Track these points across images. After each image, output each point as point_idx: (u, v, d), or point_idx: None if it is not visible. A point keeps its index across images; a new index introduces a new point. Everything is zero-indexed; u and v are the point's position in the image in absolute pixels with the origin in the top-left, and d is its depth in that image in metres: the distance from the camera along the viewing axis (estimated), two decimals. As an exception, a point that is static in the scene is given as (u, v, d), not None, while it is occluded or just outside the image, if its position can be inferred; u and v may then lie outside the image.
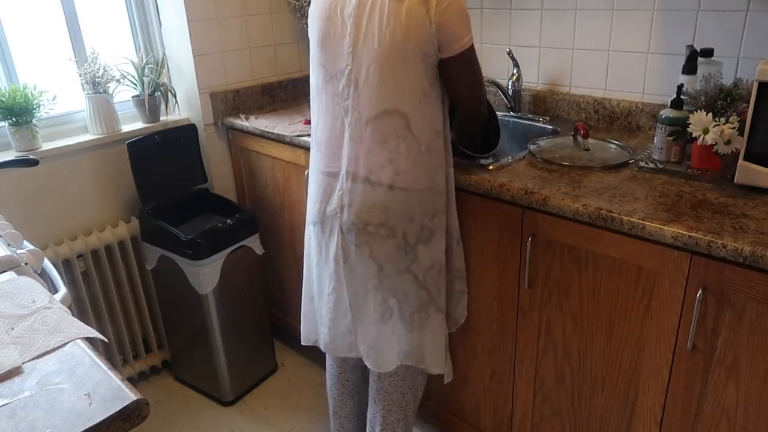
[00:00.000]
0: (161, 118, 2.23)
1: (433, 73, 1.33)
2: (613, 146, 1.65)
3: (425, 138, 1.35)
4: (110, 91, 2.05)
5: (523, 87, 2.02)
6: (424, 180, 1.38)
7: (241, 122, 2.18)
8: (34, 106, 1.86)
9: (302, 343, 1.69)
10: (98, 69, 1.99)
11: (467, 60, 1.35)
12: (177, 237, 1.95)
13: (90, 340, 0.86)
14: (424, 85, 1.32)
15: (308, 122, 2.00)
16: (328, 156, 1.42)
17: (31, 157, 1.69)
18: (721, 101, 1.38)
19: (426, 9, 1.25)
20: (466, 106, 1.43)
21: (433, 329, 1.50)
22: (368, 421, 1.68)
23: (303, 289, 1.65)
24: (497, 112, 2.06)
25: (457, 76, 1.36)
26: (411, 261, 1.43)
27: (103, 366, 0.79)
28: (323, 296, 1.55)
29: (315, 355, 1.70)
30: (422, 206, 1.40)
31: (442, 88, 1.37)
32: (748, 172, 1.28)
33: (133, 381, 2.25)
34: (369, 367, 1.54)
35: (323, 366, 2.00)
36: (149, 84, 2.13)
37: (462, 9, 1.30)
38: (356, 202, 1.39)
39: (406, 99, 1.32)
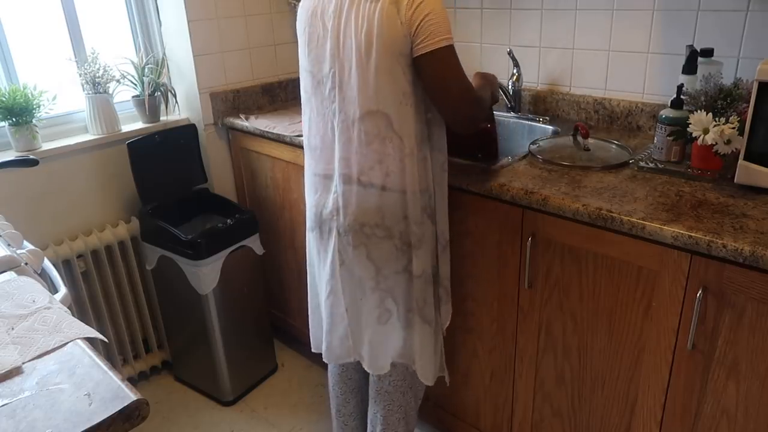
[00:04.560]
0: (161, 118, 2.23)
1: (412, 74, 1.31)
2: (613, 146, 1.65)
3: (409, 141, 1.34)
4: (110, 91, 2.05)
5: (523, 87, 2.02)
6: (415, 182, 1.37)
7: (241, 122, 2.18)
8: (34, 106, 1.86)
9: (312, 351, 1.69)
10: (98, 69, 1.99)
11: (441, 60, 1.28)
12: (177, 237, 1.95)
13: (90, 340, 0.86)
14: (403, 85, 1.31)
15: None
16: (322, 159, 1.44)
17: (31, 157, 1.69)
18: (721, 101, 1.38)
19: (397, 9, 1.25)
20: (444, 110, 1.36)
21: (421, 334, 1.49)
22: (369, 421, 1.68)
23: (308, 297, 1.65)
24: (497, 114, 2.07)
25: (431, 77, 1.30)
26: (408, 261, 1.43)
27: (103, 366, 0.79)
28: (322, 301, 1.55)
29: (315, 355, 1.70)
30: (417, 207, 1.39)
31: (423, 92, 1.35)
32: (748, 172, 1.28)
33: (133, 381, 2.25)
34: (366, 369, 1.55)
35: (323, 366, 2.00)
36: (149, 84, 2.13)
37: (433, 8, 1.25)
38: (351, 204, 1.39)
39: (388, 100, 1.31)
